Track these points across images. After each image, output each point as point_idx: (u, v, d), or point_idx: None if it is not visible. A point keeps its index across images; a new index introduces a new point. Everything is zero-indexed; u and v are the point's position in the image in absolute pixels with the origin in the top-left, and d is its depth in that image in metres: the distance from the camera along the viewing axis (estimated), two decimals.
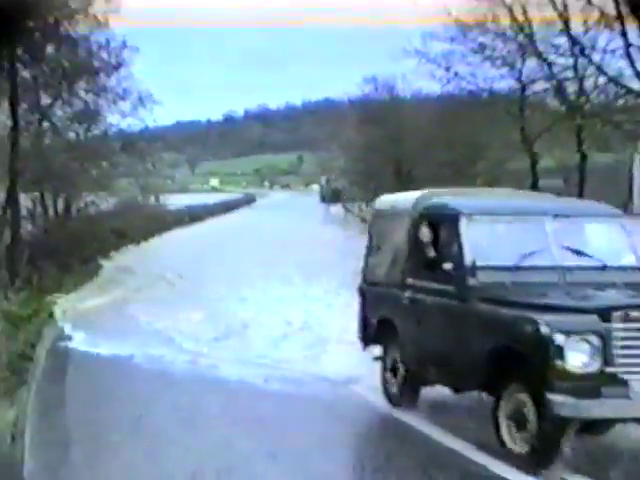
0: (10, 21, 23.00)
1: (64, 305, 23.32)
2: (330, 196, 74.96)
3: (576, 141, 30.29)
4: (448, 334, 10.54)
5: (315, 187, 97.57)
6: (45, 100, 30.36)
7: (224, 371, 14.86)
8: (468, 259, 10.27)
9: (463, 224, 10.59)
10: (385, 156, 44.65)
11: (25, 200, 28.98)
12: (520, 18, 27.47)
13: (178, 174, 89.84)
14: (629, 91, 25.69)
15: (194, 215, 66.88)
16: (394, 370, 11.97)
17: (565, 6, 25.93)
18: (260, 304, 22.15)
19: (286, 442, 10.66)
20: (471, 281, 10.16)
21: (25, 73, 27.13)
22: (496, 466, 9.23)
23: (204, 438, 11.02)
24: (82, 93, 32.17)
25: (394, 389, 12.00)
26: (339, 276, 27.90)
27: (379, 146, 45.17)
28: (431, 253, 10.92)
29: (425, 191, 12.56)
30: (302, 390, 13.32)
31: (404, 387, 11.79)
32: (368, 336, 12.93)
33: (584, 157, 30.21)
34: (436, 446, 10.25)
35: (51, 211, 33.31)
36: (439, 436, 10.53)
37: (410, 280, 11.52)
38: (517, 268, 10.25)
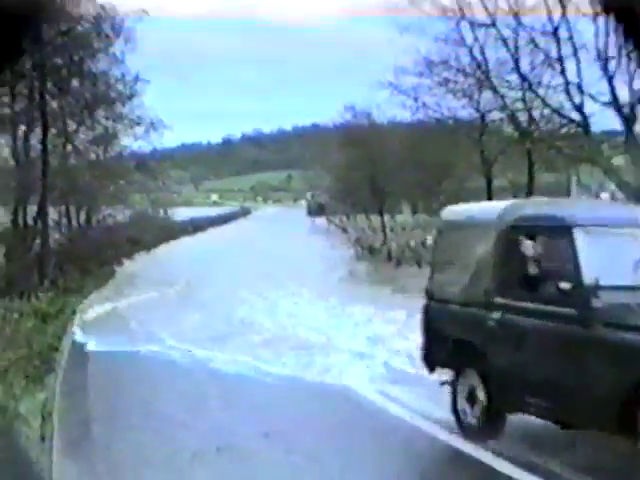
0: (41, 60, 23.32)
1: (87, 304, 23.29)
2: (315, 210, 75.19)
3: (527, 163, 30.76)
4: (561, 363, 8.15)
5: (302, 202, 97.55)
6: (71, 126, 30.53)
7: (221, 366, 14.63)
8: (588, 277, 7.87)
9: (579, 237, 8.19)
10: (363, 175, 44.92)
11: (53, 213, 29.05)
12: (478, 57, 27.74)
13: (183, 190, 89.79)
14: (570, 121, 26.02)
15: (197, 225, 67.05)
16: (471, 398, 9.33)
17: (516, 48, 26.25)
18: (255, 307, 21.85)
19: (277, 424, 10.67)
20: (595, 303, 7.80)
21: (54, 103, 27.24)
22: None
23: (205, 420, 11.14)
24: (102, 120, 32.47)
25: (471, 419, 9.35)
26: (325, 282, 28.12)
27: (357, 166, 45.44)
28: (533, 270, 8.60)
29: (517, 200, 10.28)
30: (293, 383, 13.06)
31: (486, 418, 9.15)
32: (436, 359, 10.22)
33: (532, 177, 30.65)
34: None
35: (74, 222, 33.48)
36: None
37: (499, 299, 8.93)
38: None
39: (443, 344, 9.93)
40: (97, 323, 20.25)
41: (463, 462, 8.86)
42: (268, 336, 17.27)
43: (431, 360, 10.27)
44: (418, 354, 11.17)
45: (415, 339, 13.76)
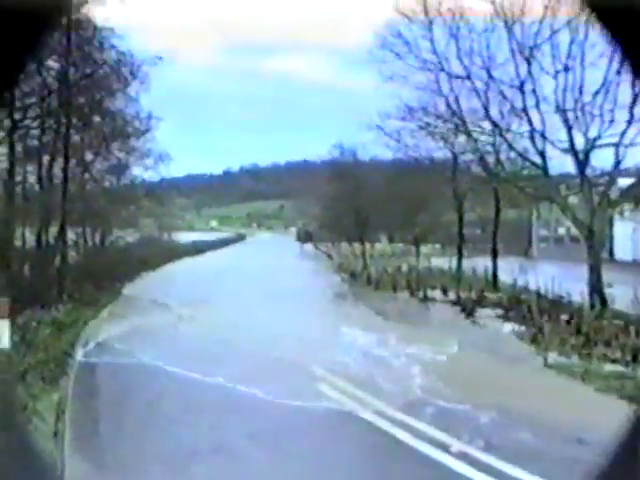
0: (68, 99, 23.62)
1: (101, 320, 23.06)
2: (304, 237, 75.24)
3: (494, 200, 31.11)
4: None
5: (293, 229, 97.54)
6: (88, 157, 30.78)
7: (209, 379, 14.42)
8: None
9: None
10: (347, 206, 45.10)
11: (71, 233, 29.14)
12: (453, 105, 28.05)
13: (187, 216, 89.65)
14: (532, 164, 26.36)
15: (198, 248, 66.91)
16: None
17: (487, 98, 26.59)
18: (251, 331, 20.59)
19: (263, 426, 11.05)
20: None
21: (76, 137, 27.53)
22: None
23: (199, 420, 11.53)
24: (116, 152, 32.78)
25: None
26: (317, 304, 28.04)
27: (343, 198, 45.65)
28: None
29: None
30: (278, 395, 12.92)
31: None
32: None
33: (498, 212, 30.93)
34: None
35: (90, 242, 33.60)
36: None
37: None
38: None
39: None
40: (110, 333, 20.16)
41: None
42: (252, 364, 15.89)
43: None
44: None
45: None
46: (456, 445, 9.66)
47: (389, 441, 10.43)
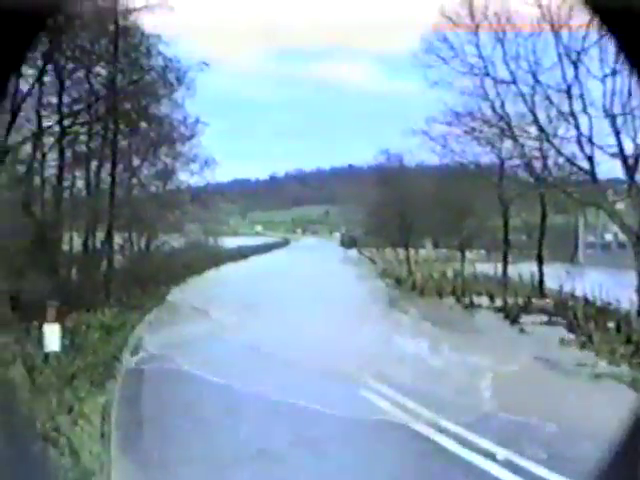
0: (115, 105, 24.00)
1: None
2: (348, 242, 75.36)
3: (540, 205, 30.91)
4: None
5: (337, 235, 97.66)
6: (135, 162, 31.14)
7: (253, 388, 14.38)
8: None
9: None
10: (393, 212, 45.04)
11: (117, 238, 29.48)
12: (498, 110, 27.95)
13: (232, 221, 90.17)
14: (579, 169, 26.16)
15: (243, 253, 67.20)
16: None
17: (533, 103, 26.47)
18: (292, 339, 20.12)
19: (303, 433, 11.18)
20: None
21: (123, 142, 27.90)
22: None
23: (243, 422, 11.78)
24: (163, 157, 33.11)
25: None
26: (366, 310, 27.89)
27: (388, 204, 45.61)
28: None
29: None
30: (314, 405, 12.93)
31: None
32: None
33: (544, 218, 30.71)
34: None
35: (136, 247, 33.93)
36: None
37: None
38: None
39: None
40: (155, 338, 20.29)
41: None
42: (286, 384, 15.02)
43: None
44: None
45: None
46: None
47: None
